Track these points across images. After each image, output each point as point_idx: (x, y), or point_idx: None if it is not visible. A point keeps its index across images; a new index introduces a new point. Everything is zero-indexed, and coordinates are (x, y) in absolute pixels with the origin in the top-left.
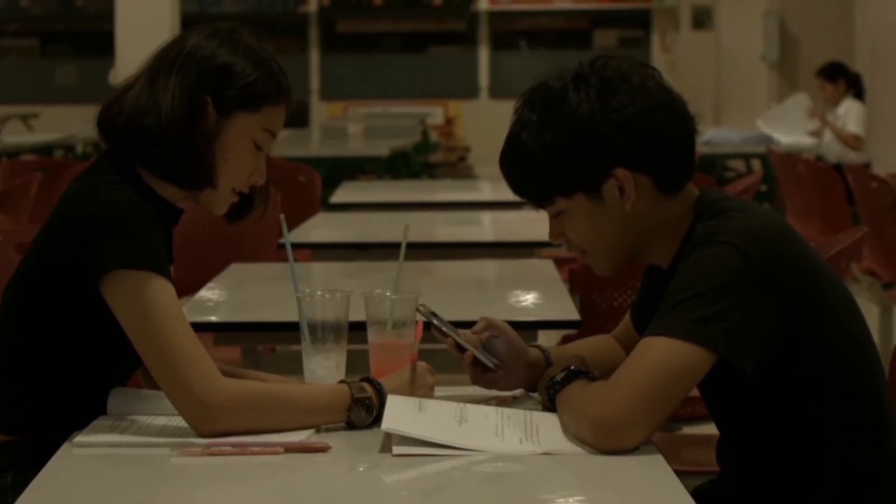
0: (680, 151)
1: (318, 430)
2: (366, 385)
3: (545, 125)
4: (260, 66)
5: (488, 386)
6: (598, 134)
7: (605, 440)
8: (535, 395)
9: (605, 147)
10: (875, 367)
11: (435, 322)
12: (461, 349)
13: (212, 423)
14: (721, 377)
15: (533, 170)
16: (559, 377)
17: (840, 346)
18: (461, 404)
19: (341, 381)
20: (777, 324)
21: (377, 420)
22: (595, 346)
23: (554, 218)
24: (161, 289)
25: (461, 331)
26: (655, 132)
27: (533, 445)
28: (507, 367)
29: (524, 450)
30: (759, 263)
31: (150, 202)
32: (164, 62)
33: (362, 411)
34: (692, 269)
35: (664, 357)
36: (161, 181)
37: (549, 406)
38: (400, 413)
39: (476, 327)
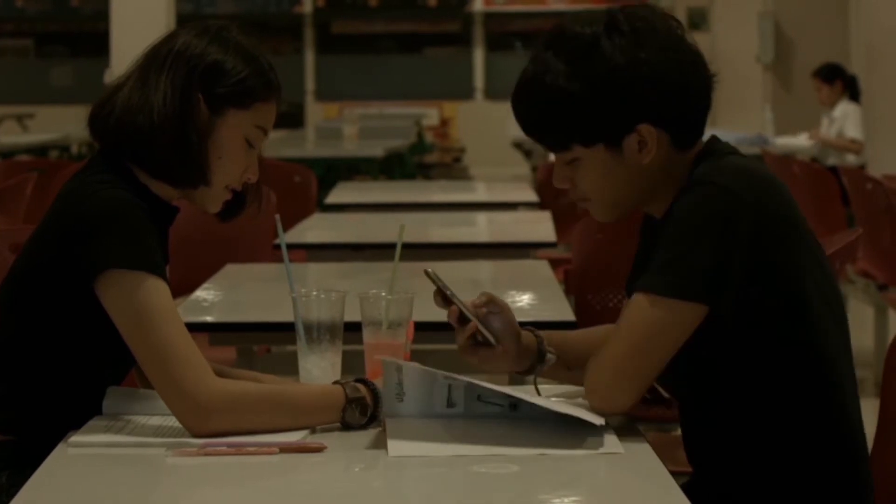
0: (700, 108)
1: (314, 431)
2: (360, 385)
3: (575, 72)
4: (250, 63)
5: (480, 363)
6: (628, 87)
7: (599, 404)
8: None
9: (634, 101)
10: (845, 341)
11: (440, 286)
12: (463, 320)
13: (204, 424)
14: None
15: (556, 115)
16: None
17: (810, 308)
18: (463, 419)
19: (335, 382)
20: (749, 266)
21: (371, 420)
22: (597, 335)
23: (565, 163)
24: (155, 289)
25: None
26: (681, 88)
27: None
28: (504, 346)
29: (520, 393)
30: (743, 199)
31: (145, 201)
32: (155, 61)
33: (356, 412)
34: (674, 217)
35: (642, 314)
36: (155, 180)
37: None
38: (403, 437)
39: (476, 300)
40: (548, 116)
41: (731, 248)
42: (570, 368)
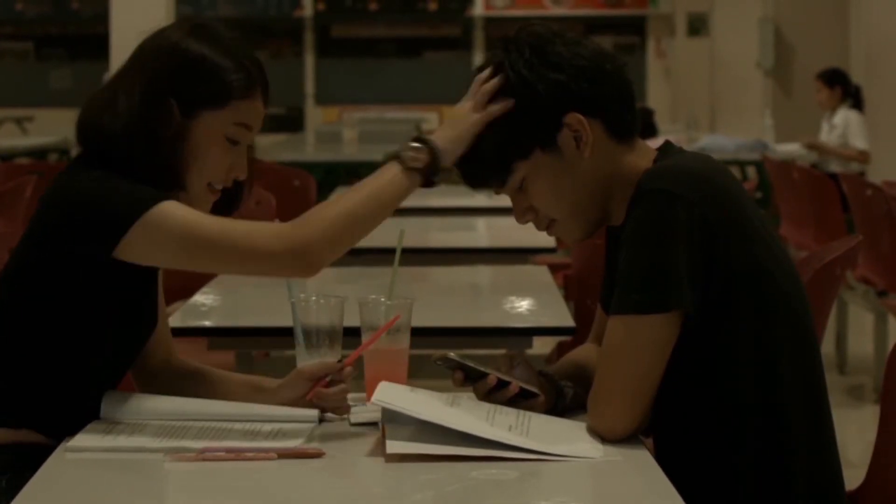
0: (623, 91)
1: (312, 437)
2: (412, 148)
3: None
4: (227, 59)
5: None
6: (542, 82)
7: (605, 432)
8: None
9: (551, 92)
10: (809, 330)
11: (471, 365)
12: (502, 384)
13: (315, 261)
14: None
15: (485, 146)
16: None
17: (772, 302)
18: (454, 395)
19: (389, 157)
20: (711, 267)
21: (433, 155)
22: (586, 355)
23: (517, 192)
24: (175, 207)
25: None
26: (596, 71)
27: (521, 436)
28: (542, 394)
29: (511, 438)
30: (688, 199)
31: None
32: (131, 62)
33: (410, 152)
34: (627, 231)
35: (622, 337)
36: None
37: None
38: (390, 391)
39: (510, 365)
40: (479, 153)
41: (687, 250)
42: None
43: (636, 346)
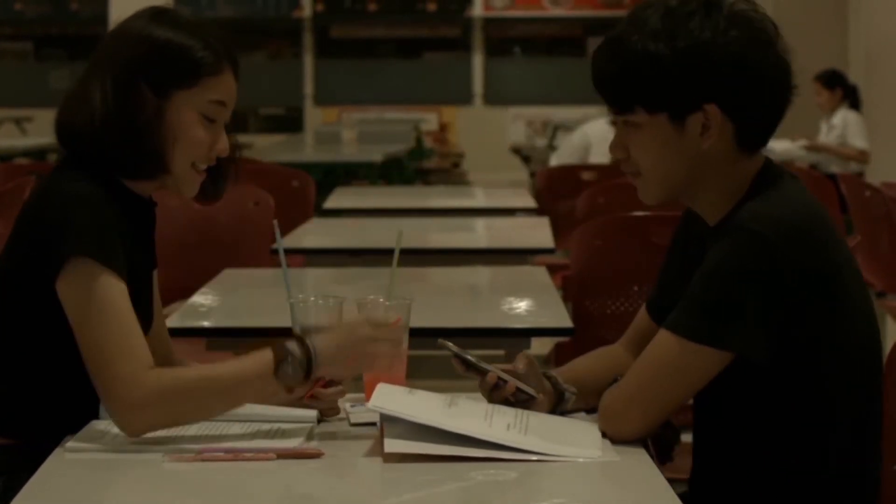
0: (772, 110)
1: (311, 437)
2: (290, 343)
3: (661, 33)
4: (191, 38)
5: None
6: (707, 61)
7: (608, 428)
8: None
9: (709, 76)
10: (877, 379)
11: (470, 359)
12: (501, 381)
13: (135, 421)
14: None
15: (629, 71)
16: None
17: (849, 355)
18: (452, 395)
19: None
20: (789, 318)
21: (308, 374)
22: (603, 362)
23: (625, 127)
24: (106, 282)
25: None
26: (759, 80)
27: (519, 434)
28: (541, 395)
29: (509, 438)
30: (780, 251)
31: (119, 198)
32: (98, 57)
33: (289, 369)
34: (716, 260)
35: (668, 354)
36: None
37: None
38: (388, 395)
39: (517, 364)
40: (621, 71)
41: (762, 297)
42: (588, 403)
43: (678, 369)
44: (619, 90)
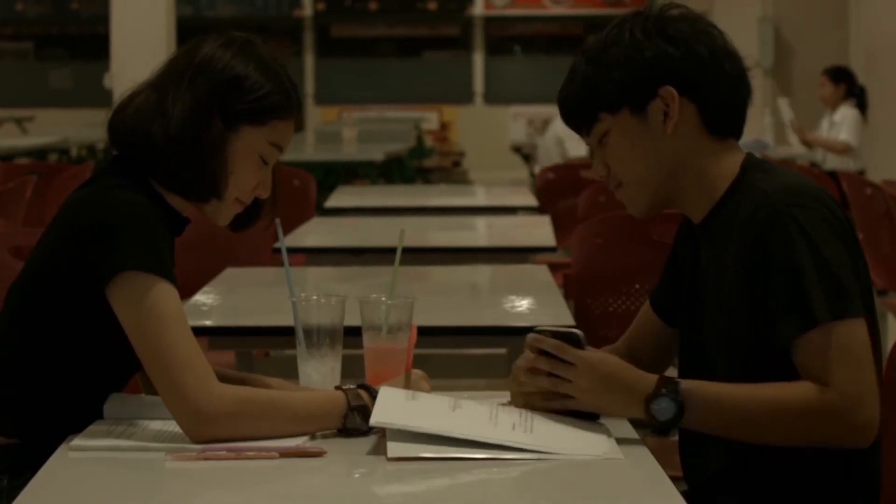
0: (732, 91)
1: (314, 437)
2: (362, 392)
3: (600, 43)
4: (271, 79)
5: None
6: (651, 49)
7: (857, 420)
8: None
9: (657, 61)
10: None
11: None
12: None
13: (205, 430)
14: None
15: (583, 86)
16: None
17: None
18: (455, 397)
19: (337, 388)
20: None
21: (372, 427)
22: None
23: (599, 144)
24: (166, 293)
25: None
26: (710, 63)
27: (524, 434)
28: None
29: (514, 438)
30: (831, 209)
31: (160, 208)
32: (175, 70)
33: (358, 418)
34: (782, 252)
35: (840, 343)
36: (168, 191)
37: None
38: (389, 405)
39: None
40: (578, 91)
41: (849, 254)
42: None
43: (852, 347)
44: (579, 107)
